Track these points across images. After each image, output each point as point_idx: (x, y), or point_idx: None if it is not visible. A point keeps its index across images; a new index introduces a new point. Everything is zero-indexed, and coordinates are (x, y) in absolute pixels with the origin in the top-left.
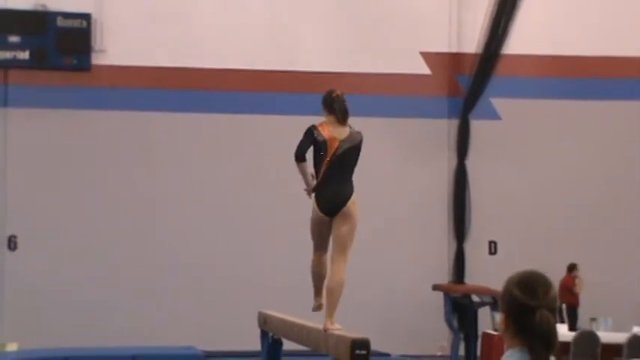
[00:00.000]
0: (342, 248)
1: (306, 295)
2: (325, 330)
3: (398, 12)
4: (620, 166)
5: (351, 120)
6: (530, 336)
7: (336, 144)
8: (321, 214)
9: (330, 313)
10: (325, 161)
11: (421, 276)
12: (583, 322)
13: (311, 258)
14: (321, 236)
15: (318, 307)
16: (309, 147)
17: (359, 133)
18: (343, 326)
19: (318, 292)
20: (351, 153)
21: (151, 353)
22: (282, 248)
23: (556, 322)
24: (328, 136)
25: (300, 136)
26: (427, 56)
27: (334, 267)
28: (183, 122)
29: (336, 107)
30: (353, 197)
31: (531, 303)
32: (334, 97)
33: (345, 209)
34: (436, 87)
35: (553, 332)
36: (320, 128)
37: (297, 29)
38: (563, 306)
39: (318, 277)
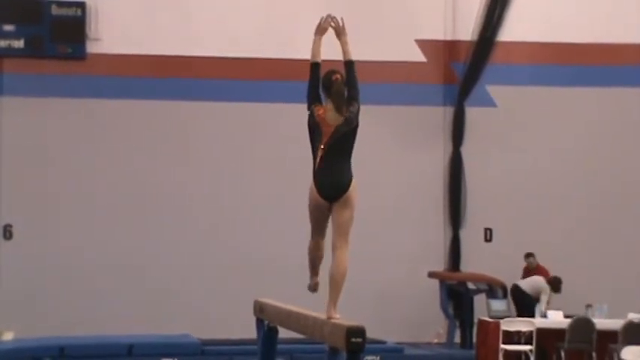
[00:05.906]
0: (344, 234)
1: (303, 284)
2: (329, 318)
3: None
4: (616, 153)
5: None
6: None
7: (331, 130)
8: (321, 199)
9: (335, 302)
10: (320, 147)
11: (417, 263)
12: (578, 309)
13: (308, 244)
14: (319, 222)
15: (314, 286)
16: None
17: (355, 113)
18: (339, 314)
19: (314, 271)
20: (347, 138)
21: (147, 342)
22: (279, 237)
23: None
24: (322, 121)
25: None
26: (422, 44)
27: (337, 255)
28: (179, 110)
29: (333, 92)
30: (353, 182)
31: None
32: (333, 80)
33: (346, 195)
34: (431, 74)
35: None
36: (317, 110)
37: (293, 17)
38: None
39: (317, 259)
